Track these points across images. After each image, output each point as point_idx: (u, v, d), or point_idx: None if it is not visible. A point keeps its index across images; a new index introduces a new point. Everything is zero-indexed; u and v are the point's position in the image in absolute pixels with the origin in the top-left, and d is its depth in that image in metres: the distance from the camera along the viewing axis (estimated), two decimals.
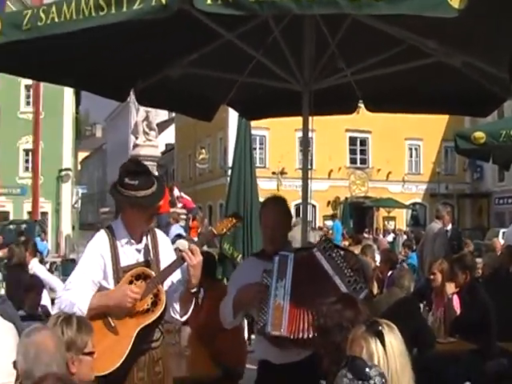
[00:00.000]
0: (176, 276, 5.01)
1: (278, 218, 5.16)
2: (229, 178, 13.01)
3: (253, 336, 10.94)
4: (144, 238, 5.03)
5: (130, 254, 4.94)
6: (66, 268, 30.23)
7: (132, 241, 4.95)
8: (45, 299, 9.66)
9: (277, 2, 3.66)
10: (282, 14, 5.26)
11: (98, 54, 5.63)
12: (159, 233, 5.28)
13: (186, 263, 4.74)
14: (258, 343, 5.23)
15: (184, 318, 5.09)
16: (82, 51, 5.40)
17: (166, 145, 68.84)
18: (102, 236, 4.96)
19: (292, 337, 4.57)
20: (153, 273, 4.86)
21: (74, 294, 4.73)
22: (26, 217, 44.71)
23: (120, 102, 7.72)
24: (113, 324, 4.75)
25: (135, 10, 3.89)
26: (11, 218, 45.47)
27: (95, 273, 4.83)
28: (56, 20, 4.21)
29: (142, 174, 4.91)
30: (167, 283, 4.96)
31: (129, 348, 4.68)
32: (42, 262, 13.52)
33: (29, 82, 40.80)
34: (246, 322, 10.11)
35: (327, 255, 4.75)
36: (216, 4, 3.73)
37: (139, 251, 4.98)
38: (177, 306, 4.96)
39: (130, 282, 4.82)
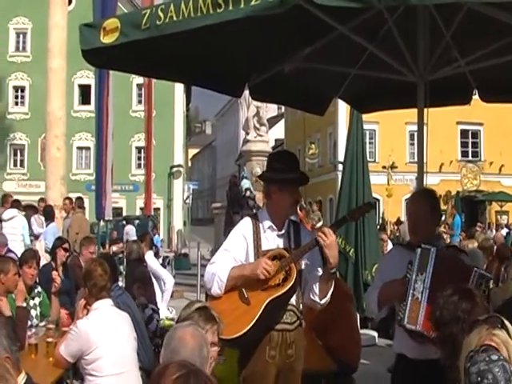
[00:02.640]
0: (316, 262, 5.24)
1: (420, 208, 5.18)
2: (340, 173, 13.00)
3: (363, 331, 10.90)
4: (286, 226, 5.34)
5: (271, 240, 5.30)
6: (178, 262, 30.73)
7: (274, 227, 5.31)
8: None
9: None
10: (398, 5, 5.24)
11: (213, 51, 5.72)
12: (302, 226, 5.66)
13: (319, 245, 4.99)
14: (397, 336, 5.25)
15: (323, 301, 5.27)
16: (197, 48, 5.49)
17: (276, 140, 68.98)
18: (246, 221, 5.40)
19: (426, 333, 4.56)
20: (288, 254, 5.15)
21: (216, 266, 5.21)
22: (138, 212, 45.68)
23: (234, 98, 7.83)
24: (246, 295, 5.12)
25: (252, 6, 3.92)
26: (124, 213, 46.50)
27: (238, 252, 5.27)
28: (174, 18, 4.30)
29: (288, 158, 5.35)
30: (308, 269, 5.27)
31: (257, 316, 5.02)
32: (156, 255, 13.83)
33: (140, 80, 41.61)
34: (358, 316, 10.06)
35: (478, 282, 4.68)
36: None
37: (280, 237, 5.32)
38: (316, 289, 5.21)
39: None
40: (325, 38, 6.34)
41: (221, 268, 5.19)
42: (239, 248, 5.28)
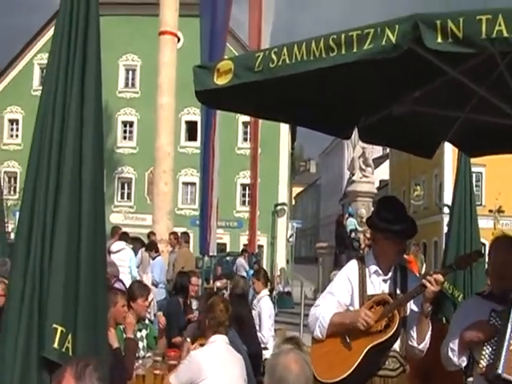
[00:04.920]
0: (417, 307, 5.18)
1: (508, 254, 4.98)
2: (445, 215, 12.80)
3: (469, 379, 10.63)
4: (392, 271, 5.35)
5: (376, 284, 5.32)
6: (281, 301, 30.74)
7: (380, 272, 5.32)
8: None
9: (510, 38, 3.61)
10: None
11: (323, 93, 5.75)
12: (409, 271, 5.62)
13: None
14: None
15: (422, 346, 5.24)
16: (308, 90, 5.53)
17: (380, 181, 68.55)
18: (353, 264, 5.44)
19: None
20: (391, 300, 5.15)
21: (319, 310, 5.27)
22: (241, 249, 46.07)
23: (343, 139, 7.83)
24: (348, 340, 5.14)
25: (365, 50, 3.96)
26: (228, 249, 46.86)
27: (342, 295, 5.30)
28: (287, 61, 4.36)
29: (396, 208, 5.35)
30: (410, 315, 5.23)
31: (357, 362, 5.03)
32: (271, 292, 13.77)
33: (246, 118, 42.12)
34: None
35: None
36: (446, 42, 3.74)
37: (385, 282, 5.33)
38: (413, 334, 5.20)
39: (371, 308, 5.17)
40: (434, 81, 6.29)
41: (324, 313, 5.23)
42: (344, 291, 5.31)
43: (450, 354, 4.99)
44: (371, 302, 5.17)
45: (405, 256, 23.86)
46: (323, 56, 4.15)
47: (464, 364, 5.09)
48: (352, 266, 5.41)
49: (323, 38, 4.20)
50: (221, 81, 4.78)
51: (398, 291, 5.26)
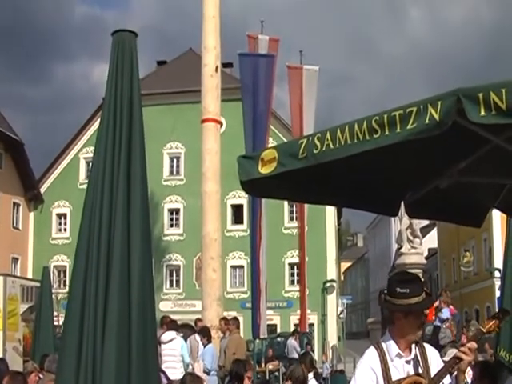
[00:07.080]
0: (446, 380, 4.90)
1: None
2: (496, 280, 12.50)
3: None
4: (413, 350, 5.02)
5: (400, 368, 4.96)
6: (334, 380, 30.29)
7: (401, 353, 4.98)
8: None
9: None
10: None
11: (367, 174, 5.73)
12: (427, 346, 5.24)
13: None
14: None
15: None
16: (351, 172, 5.51)
17: (429, 249, 68.04)
18: (372, 352, 5.06)
19: None
20: (424, 381, 4.82)
21: None
22: (292, 329, 45.70)
23: (390, 217, 7.79)
24: None
25: (409, 130, 3.95)
26: (278, 330, 46.51)
27: None
28: (331, 146, 4.36)
29: (411, 281, 5.01)
30: None
31: None
32: (317, 376, 13.59)
33: None
34: None
35: None
36: (490, 114, 3.73)
37: (409, 363, 4.98)
38: None
39: None
40: (479, 150, 6.25)
41: None
42: (368, 382, 4.95)
43: None
44: None
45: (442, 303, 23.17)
46: (367, 138, 4.15)
47: None
48: (371, 354, 5.05)
49: (366, 120, 4.21)
50: (265, 170, 4.79)
51: (422, 369, 4.98)
